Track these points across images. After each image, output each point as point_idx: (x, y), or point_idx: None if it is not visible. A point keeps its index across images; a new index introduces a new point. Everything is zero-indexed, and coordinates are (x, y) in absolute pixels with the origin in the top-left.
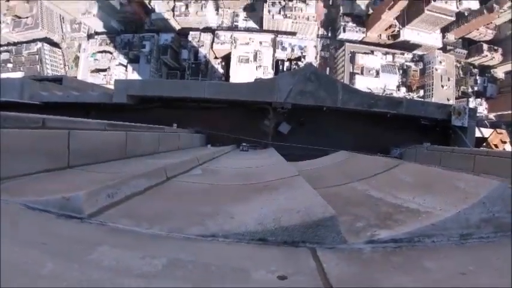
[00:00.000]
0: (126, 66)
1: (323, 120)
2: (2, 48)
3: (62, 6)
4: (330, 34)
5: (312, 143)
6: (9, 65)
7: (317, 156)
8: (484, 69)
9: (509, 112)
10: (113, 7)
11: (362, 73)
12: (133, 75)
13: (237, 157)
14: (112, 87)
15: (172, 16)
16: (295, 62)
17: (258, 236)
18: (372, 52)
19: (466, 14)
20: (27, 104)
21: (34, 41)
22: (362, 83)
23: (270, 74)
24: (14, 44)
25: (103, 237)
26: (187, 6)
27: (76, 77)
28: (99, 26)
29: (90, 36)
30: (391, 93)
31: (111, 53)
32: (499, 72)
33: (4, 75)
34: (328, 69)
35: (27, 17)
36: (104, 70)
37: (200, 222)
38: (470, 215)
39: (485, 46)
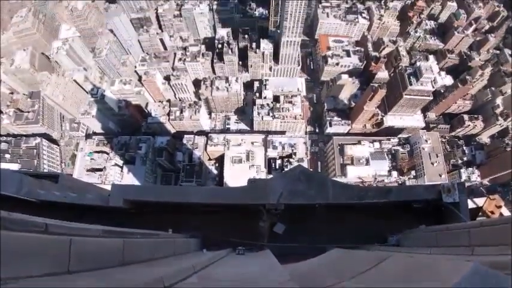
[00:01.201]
0: (121, 167)
1: (317, 217)
2: (1, 139)
3: (63, 106)
4: (317, 130)
5: (308, 241)
6: (7, 156)
7: (314, 254)
8: (469, 139)
9: (503, 174)
10: (111, 109)
11: (352, 163)
12: (128, 176)
13: (232, 262)
14: (107, 187)
15: (168, 120)
16: (286, 159)
17: None
18: (359, 142)
19: (442, 91)
20: (23, 200)
21: (33, 135)
22: (353, 173)
23: (263, 172)
24: (14, 135)
25: None
26: (181, 111)
27: (72, 174)
28: (97, 127)
29: (88, 136)
30: (383, 180)
31: (107, 153)
32: (484, 138)
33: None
34: (319, 163)
35: (28, 112)
36: (100, 170)
37: None
38: None
39: (466, 117)
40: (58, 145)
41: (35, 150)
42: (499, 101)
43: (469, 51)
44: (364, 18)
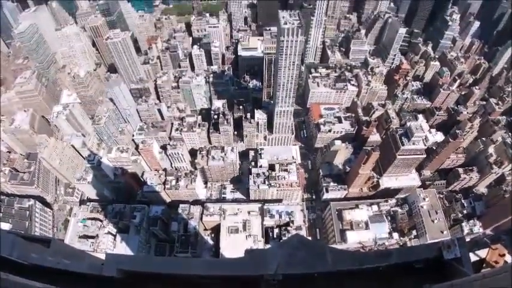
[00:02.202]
0: (115, 236)
1: (317, 286)
2: None
3: (59, 170)
4: (314, 196)
5: None
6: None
7: None
8: (467, 191)
9: (505, 221)
10: (107, 176)
11: (352, 228)
12: (121, 245)
13: None
14: (99, 255)
15: (164, 189)
16: (284, 228)
17: None
18: (357, 206)
19: (434, 148)
20: (15, 262)
21: (27, 196)
22: (353, 238)
23: (260, 242)
24: (7, 194)
25: None
26: (177, 180)
27: (64, 240)
28: (92, 193)
29: (82, 201)
30: (383, 243)
31: (101, 220)
32: (481, 188)
33: None
34: (317, 230)
35: (24, 172)
36: (93, 237)
37: None
38: None
39: (460, 170)
40: (51, 209)
41: (27, 212)
42: (491, 150)
43: (456, 106)
44: (353, 85)
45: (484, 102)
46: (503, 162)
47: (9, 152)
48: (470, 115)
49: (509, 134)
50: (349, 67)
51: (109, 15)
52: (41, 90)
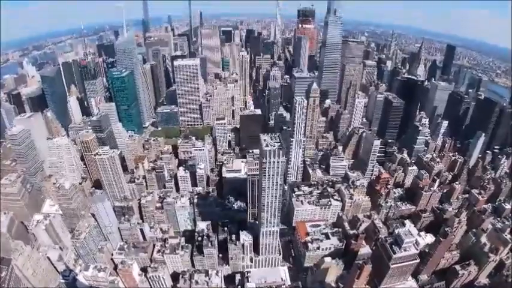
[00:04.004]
0: None
1: None
2: None
3: (30, 280)
4: None
5: None
6: None
7: None
8: (469, 286)
9: None
10: None
11: None
12: None
13: None
14: None
15: None
16: None
17: None
18: None
19: (427, 250)
20: None
21: None
22: None
23: None
24: None
25: None
26: None
27: None
28: None
29: None
30: None
31: None
32: (482, 279)
33: None
34: None
35: None
36: None
37: None
38: None
39: (458, 267)
40: None
41: None
42: (483, 239)
43: (440, 205)
44: (336, 200)
45: (467, 195)
46: (499, 248)
47: None
48: (456, 210)
49: (498, 219)
50: (330, 183)
51: (100, 132)
52: (24, 195)
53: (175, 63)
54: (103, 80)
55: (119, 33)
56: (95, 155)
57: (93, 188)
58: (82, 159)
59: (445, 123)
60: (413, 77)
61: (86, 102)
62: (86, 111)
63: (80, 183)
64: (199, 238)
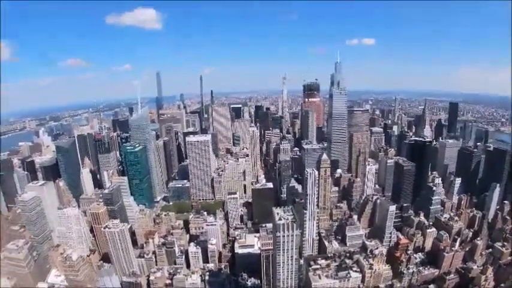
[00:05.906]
0: None
1: None
2: None
3: None
4: None
5: None
6: None
7: None
8: None
9: None
10: None
11: None
12: None
13: None
14: None
15: None
16: None
17: None
18: None
19: None
20: None
21: None
22: None
23: None
24: None
25: None
26: None
27: None
28: None
29: None
30: None
31: None
32: None
33: None
34: None
35: None
36: None
37: None
38: None
39: None
40: None
41: None
42: None
43: (464, 264)
44: (356, 271)
45: (491, 250)
46: None
47: None
48: (481, 268)
49: None
50: (348, 254)
51: (111, 205)
52: (30, 263)
53: (188, 139)
54: (116, 154)
55: (133, 110)
56: (104, 228)
57: (101, 262)
58: (91, 231)
59: (459, 180)
60: (420, 139)
61: (98, 175)
62: (98, 183)
63: (88, 256)
64: None
